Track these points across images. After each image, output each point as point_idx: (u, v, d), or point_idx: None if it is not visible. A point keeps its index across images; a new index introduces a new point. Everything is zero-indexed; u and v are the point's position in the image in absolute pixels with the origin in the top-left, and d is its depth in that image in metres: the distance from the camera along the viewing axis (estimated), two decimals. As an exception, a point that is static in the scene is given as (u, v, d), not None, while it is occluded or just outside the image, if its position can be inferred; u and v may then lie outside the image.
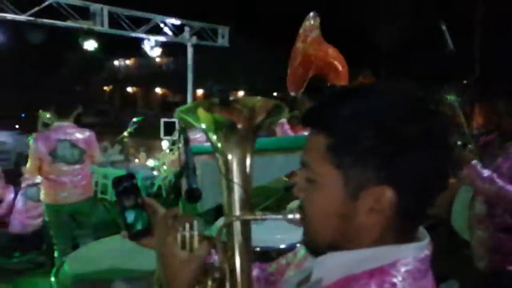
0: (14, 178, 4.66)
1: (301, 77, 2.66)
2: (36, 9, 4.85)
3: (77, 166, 3.37)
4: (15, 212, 4.30)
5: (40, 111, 3.72)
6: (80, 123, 3.64)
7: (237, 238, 0.79)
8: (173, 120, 6.04)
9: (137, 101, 36.56)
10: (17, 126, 17.98)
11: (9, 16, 4.70)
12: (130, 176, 0.86)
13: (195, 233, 0.75)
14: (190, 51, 6.49)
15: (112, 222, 4.93)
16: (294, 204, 2.46)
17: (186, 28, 6.31)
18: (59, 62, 33.33)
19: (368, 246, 0.61)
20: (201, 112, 0.82)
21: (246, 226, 0.81)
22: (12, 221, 4.30)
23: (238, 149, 0.82)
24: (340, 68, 2.75)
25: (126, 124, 4.43)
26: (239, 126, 0.81)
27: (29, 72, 30.11)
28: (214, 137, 0.84)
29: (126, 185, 0.82)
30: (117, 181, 0.83)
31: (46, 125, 3.78)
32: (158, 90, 35.05)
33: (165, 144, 5.93)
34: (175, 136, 5.88)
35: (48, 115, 3.72)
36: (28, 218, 4.29)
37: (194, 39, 6.38)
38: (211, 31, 6.60)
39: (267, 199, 2.10)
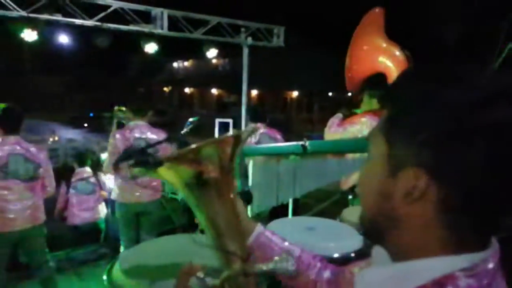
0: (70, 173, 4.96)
1: (360, 75, 2.57)
2: (103, 14, 5.14)
3: None
4: (69, 205, 4.57)
5: (116, 107, 3.82)
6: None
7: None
8: (227, 120, 6.13)
9: (194, 102, 37.73)
10: (85, 125, 19.35)
11: (78, 21, 5.02)
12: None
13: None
14: (245, 51, 6.53)
15: (168, 218, 5.09)
16: (350, 210, 2.37)
17: (242, 29, 6.37)
18: (123, 65, 35.36)
19: (407, 244, 0.55)
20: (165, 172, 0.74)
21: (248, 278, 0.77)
22: (68, 214, 4.59)
23: (218, 201, 0.76)
24: (399, 66, 2.62)
25: (183, 124, 4.54)
26: (207, 175, 0.73)
27: (96, 74, 32.28)
28: (187, 196, 0.76)
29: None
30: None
31: (119, 124, 3.86)
32: (214, 90, 35.88)
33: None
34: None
35: (122, 114, 3.81)
36: (81, 210, 4.54)
37: (250, 40, 6.41)
38: (266, 31, 6.60)
39: (321, 202, 2.03)
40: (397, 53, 2.77)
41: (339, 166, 1.92)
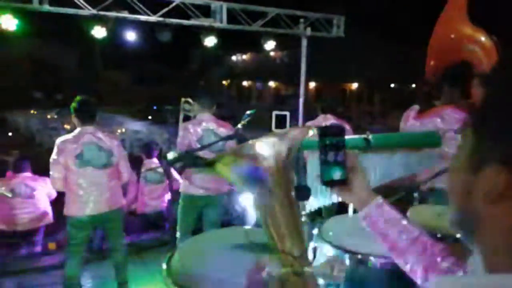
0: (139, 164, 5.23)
1: (444, 63, 2.39)
2: (165, 10, 5.31)
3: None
4: (140, 194, 4.84)
5: (182, 100, 3.91)
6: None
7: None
8: (284, 113, 6.08)
9: (252, 95, 38.07)
10: (149, 117, 20.32)
11: (143, 17, 5.23)
12: (341, 129, 0.87)
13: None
14: (304, 42, 6.42)
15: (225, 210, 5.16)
16: (416, 209, 2.22)
17: (301, 20, 6.26)
18: (185, 59, 36.55)
19: (495, 249, 0.50)
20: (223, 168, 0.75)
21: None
22: (138, 202, 4.86)
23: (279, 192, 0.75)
24: (487, 53, 2.40)
25: (240, 117, 4.58)
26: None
27: (159, 69, 33.69)
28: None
29: (335, 141, 0.84)
30: (325, 131, 0.85)
31: (185, 116, 3.96)
32: (271, 83, 35.92)
33: (276, 136, 5.98)
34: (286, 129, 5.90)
35: (188, 107, 3.90)
36: (150, 199, 4.79)
37: (309, 31, 6.29)
38: (326, 22, 6.43)
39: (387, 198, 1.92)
40: (483, 39, 2.55)
41: (405, 161, 1.80)
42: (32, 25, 4.72)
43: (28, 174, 4.44)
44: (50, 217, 4.49)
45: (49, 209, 4.48)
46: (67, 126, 11.18)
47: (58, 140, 2.97)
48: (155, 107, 23.06)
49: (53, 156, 2.93)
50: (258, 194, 0.75)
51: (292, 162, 0.96)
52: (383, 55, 22.58)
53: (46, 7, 4.60)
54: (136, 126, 16.13)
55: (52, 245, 4.47)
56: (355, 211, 3.29)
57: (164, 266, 1.39)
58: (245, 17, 5.92)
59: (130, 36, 5.91)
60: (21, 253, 4.27)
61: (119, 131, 12.58)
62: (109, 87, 29.18)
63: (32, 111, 18.57)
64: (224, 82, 40.41)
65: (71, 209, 3.00)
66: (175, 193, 3.84)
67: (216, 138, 3.45)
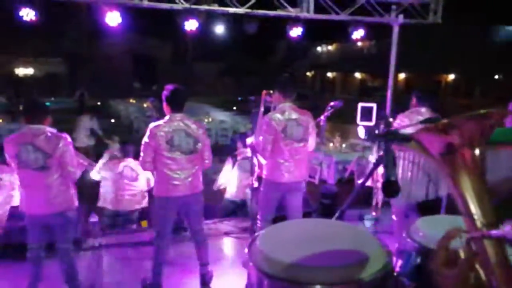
0: (230, 152, 5.43)
1: None
2: (253, 1, 5.39)
3: (300, 145, 3.50)
4: (231, 180, 5.02)
5: (264, 91, 3.96)
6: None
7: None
8: (371, 105, 5.82)
9: (336, 86, 37.17)
10: (234, 108, 21.00)
11: (231, 9, 5.38)
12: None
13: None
14: (395, 31, 6.05)
15: (305, 201, 5.14)
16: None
17: (393, 7, 5.90)
18: (270, 50, 36.98)
19: None
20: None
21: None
22: (228, 188, 5.05)
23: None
24: None
25: (323, 108, 4.49)
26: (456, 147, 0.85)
27: (245, 60, 34.54)
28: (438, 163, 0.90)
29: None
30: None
31: (266, 108, 4.01)
32: (357, 74, 34.69)
33: (361, 130, 5.76)
34: (373, 122, 5.65)
35: (268, 98, 3.95)
36: (240, 186, 4.95)
37: (401, 18, 5.91)
38: (421, 8, 5.97)
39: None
40: None
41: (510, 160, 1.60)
42: (132, 20, 5.11)
43: (131, 159, 4.87)
44: (146, 201, 4.90)
45: (146, 193, 4.89)
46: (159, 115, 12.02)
47: (151, 125, 3.19)
48: (240, 98, 23.74)
49: (145, 139, 3.16)
50: (448, 166, 0.86)
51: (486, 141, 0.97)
52: (485, 43, 20.41)
53: (146, 3, 4.96)
54: (221, 116, 16.80)
55: (144, 223, 4.88)
56: (448, 211, 3.03)
57: (246, 250, 1.43)
58: (333, 6, 5.76)
59: (219, 28, 6.10)
60: (120, 229, 4.73)
61: (205, 120, 13.18)
62: (198, 78, 30.74)
63: (131, 100, 20.33)
64: (307, 73, 40.04)
65: (159, 190, 3.24)
66: (258, 180, 3.93)
67: (298, 128, 3.47)
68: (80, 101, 20.15)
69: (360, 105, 5.79)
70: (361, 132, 6.17)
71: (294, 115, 3.46)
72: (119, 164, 4.77)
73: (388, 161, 1.34)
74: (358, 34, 6.10)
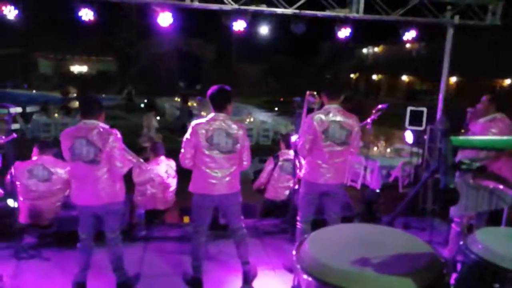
0: (270, 153, 5.43)
1: None
2: (301, 1, 5.33)
3: (341, 148, 3.45)
4: (271, 180, 5.01)
5: (308, 92, 3.93)
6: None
7: None
8: (421, 109, 5.58)
9: (381, 89, 36.18)
10: (276, 109, 21.02)
11: (279, 10, 5.35)
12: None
13: None
14: (450, 32, 5.76)
15: (347, 205, 5.03)
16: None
17: (448, 7, 5.62)
18: (315, 52, 36.65)
19: None
20: None
21: None
22: (268, 188, 5.05)
23: None
24: None
25: (366, 111, 4.37)
26: None
27: (289, 61, 34.47)
28: None
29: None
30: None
31: (309, 109, 3.98)
32: (404, 77, 33.55)
33: (409, 134, 5.55)
34: (423, 126, 5.43)
35: (312, 99, 3.91)
36: (280, 187, 4.94)
37: (457, 19, 5.62)
38: (479, 8, 5.65)
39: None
40: None
41: None
42: (180, 20, 5.22)
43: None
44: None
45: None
46: (203, 113, 12.22)
47: (193, 123, 3.25)
48: (281, 99, 23.72)
49: (187, 135, 3.22)
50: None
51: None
52: (548, 46, 19.00)
53: (196, 4, 5.06)
54: (262, 116, 16.85)
55: (186, 219, 4.99)
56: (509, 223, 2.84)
57: (294, 252, 1.41)
58: (383, 6, 5.58)
59: (263, 29, 6.09)
60: (161, 224, 4.86)
61: (247, 120, 13.27)
62: (241, 79, 31.03)
63: (176, 99, 20.86)
64: (352, 75, 39.28)
65: (196, 187, 3.29)
66: (298, 182, 3.90)
67: (341, 131, 3.40)
68: (128, 99, 20.95)
69: (409, 108, 5.58)
70: (409, 137, 5.96)
71: (339, 118, 3.41)
72: (162, 162, 4.93)
73: (447, 168, 1.27)
74: (409, 35, 5.87)
